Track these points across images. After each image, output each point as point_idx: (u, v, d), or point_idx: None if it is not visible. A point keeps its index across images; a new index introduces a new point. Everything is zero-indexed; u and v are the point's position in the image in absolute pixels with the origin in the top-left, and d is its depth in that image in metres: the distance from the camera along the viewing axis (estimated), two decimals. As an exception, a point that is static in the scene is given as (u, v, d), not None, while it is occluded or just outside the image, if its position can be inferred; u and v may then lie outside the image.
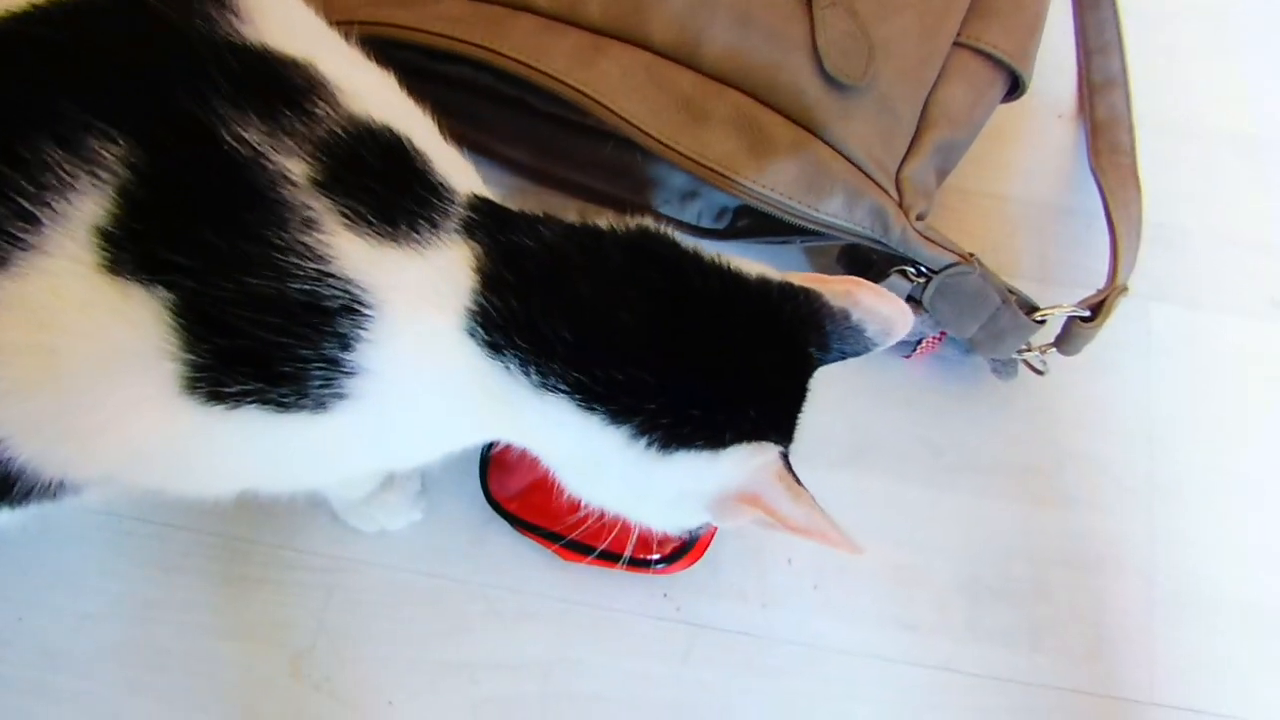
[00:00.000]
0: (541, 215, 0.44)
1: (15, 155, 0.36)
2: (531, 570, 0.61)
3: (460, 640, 0.60)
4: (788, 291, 0.44)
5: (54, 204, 0.36)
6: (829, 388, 0.65)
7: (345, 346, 0.38)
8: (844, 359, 0.46)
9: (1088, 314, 0.59)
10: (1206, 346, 0.69)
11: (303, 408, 0.39)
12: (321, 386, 0.39)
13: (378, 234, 0.39)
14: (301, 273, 0.37)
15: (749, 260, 0.45)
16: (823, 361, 0.45)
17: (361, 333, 0.38)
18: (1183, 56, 0.77)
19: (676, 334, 0.41)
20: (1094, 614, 0.62)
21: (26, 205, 0.35)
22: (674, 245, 0.44)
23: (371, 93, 0.43)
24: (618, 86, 0.57)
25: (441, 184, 0.42)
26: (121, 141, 0.36)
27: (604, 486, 0.45)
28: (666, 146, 0.57)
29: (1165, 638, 0.62)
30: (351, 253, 0.38)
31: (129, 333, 0.37)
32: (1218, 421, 0.67)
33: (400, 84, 0.46)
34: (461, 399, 0.42)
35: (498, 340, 0.40)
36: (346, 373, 0.39)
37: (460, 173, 0.44)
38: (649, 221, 0.45)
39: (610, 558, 0.59)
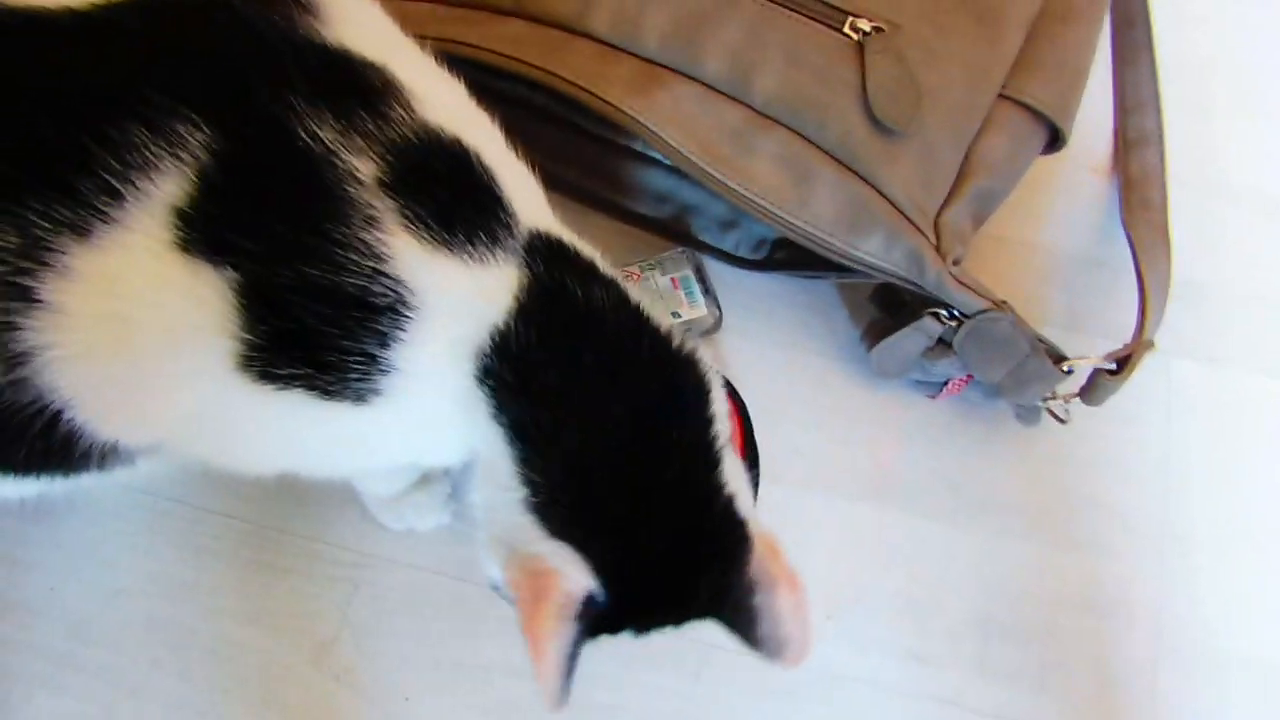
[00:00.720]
0: (599, 269, 0.45)
1: (105, 135, 0.37)
2: (553, 578, 0.62)
3: (480, 643, 0.61)
4: (732, 521, 0.44)
5: (137, 182, 0.37)
6: (855, 423, 0.67)
7: (383, 344, 0.40)
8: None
9: (1113, 367, 0.60)
10: (1227, 403, 0.70)
11: (345, 398, 0.40)
12: (359, 380, 0.40)
13: (434, 239, 0.40)
14: (357, 268, 0.39)
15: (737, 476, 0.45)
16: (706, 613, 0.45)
17: (400, 333, 0.40)
18: (1216, 116, 0.79)
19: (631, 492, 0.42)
20: (1101, 659, 0.63)
21: (113, 182, 0.37)
22: (695, 407, 0.44)
23: (444, 103, 0.44)
24: (670, 116, 0.59)
25: (504, 202, 0.43)
26: (205, 129, 0.38)
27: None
28: (713, 176, 0.58)
29: (1171, 688, 0.63)
30: (406, 253, 0.40)
31: (194, 308, 0.38)
32: (1234, 478, 0.68)
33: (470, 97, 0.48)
34: (449, 422, 0.43)
35: (499, 400, 0.42)
36: (381, 370, 0.40)
37: (526, 196, 0.45)
38: (693, 347, 0.45)
39: None
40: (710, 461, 0.44)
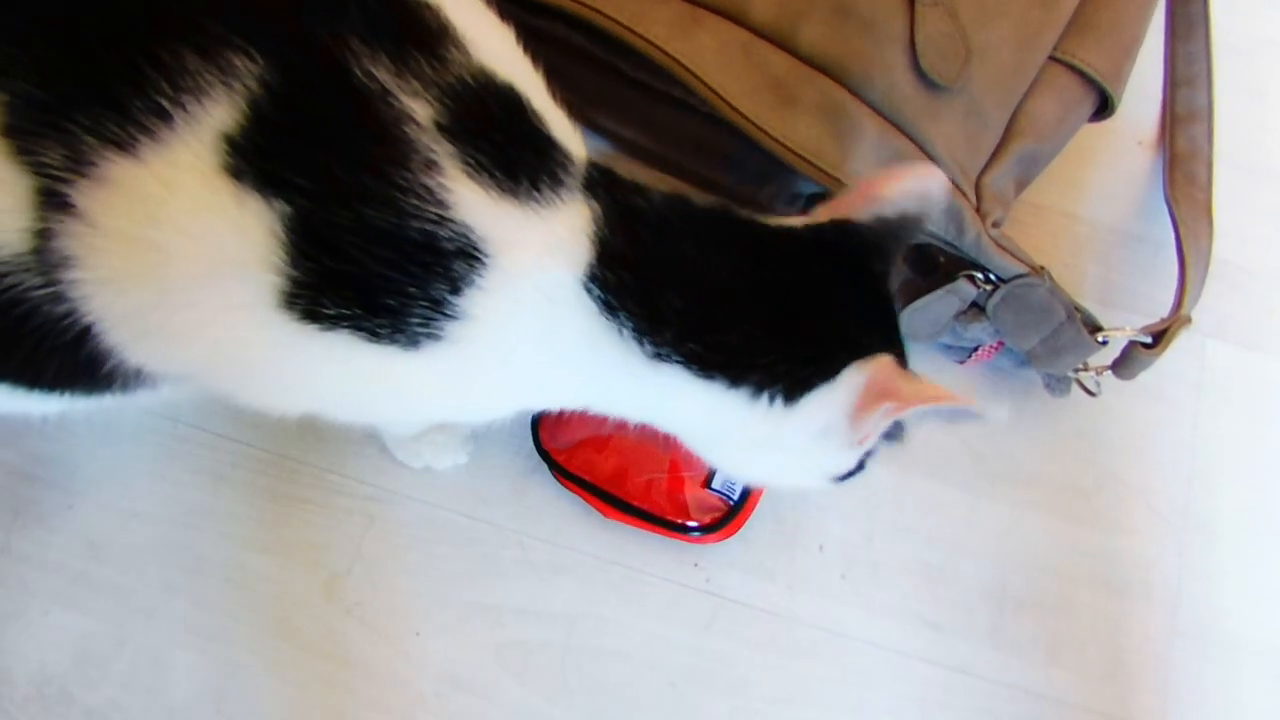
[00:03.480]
0: (643, 184, 0.45)
1: (158, 59, 0.37)
2: (568, 524, 0.62)
3: (491, 583, 0.61)
4: (831, 229, 0.45)
5: (188, 105, 0.36)
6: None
7: (455, 290, 0.39)
8: (911, 246, 0.48)
9: (1149, 340, 0.59)
10: (1259, 388, 0.69)
11: (394, 342, 0.40)
12: (420, 325, 0.39)
13: (500, 188, 0.40)
14: (421, 213, 0.38)
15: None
16: (888, 266, 0.46)
17: (475, 278, 0.39)
18: (1269, 98, 0.77)
19: (769, 290, 0.43)
20: (1114, 636, 0.63)
21: (162, 102, 0.36)
22: (744, 214, 0.46)
23: (494, 47, 0.43)
24: (712, 60, 0.58)
25: (560, 144, 0.43)
26: (258, 59, 0.37)
27: (738, 454, 0.47)
28: (754, 125, 0.57)
29: (1182, 669, 0.62)
30: (472, 201, 0.39)
31: (236, 240, 0.38)
32: (1260, 463, 0.67)
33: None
34: (566, 358, 0.43)
35: (612, 305, 0.41)
36: (448, 315, 0.39)
37: (570, 136, 0.44)
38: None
39: (649, 519, 0.61)
40: (788, 233, 0.45)
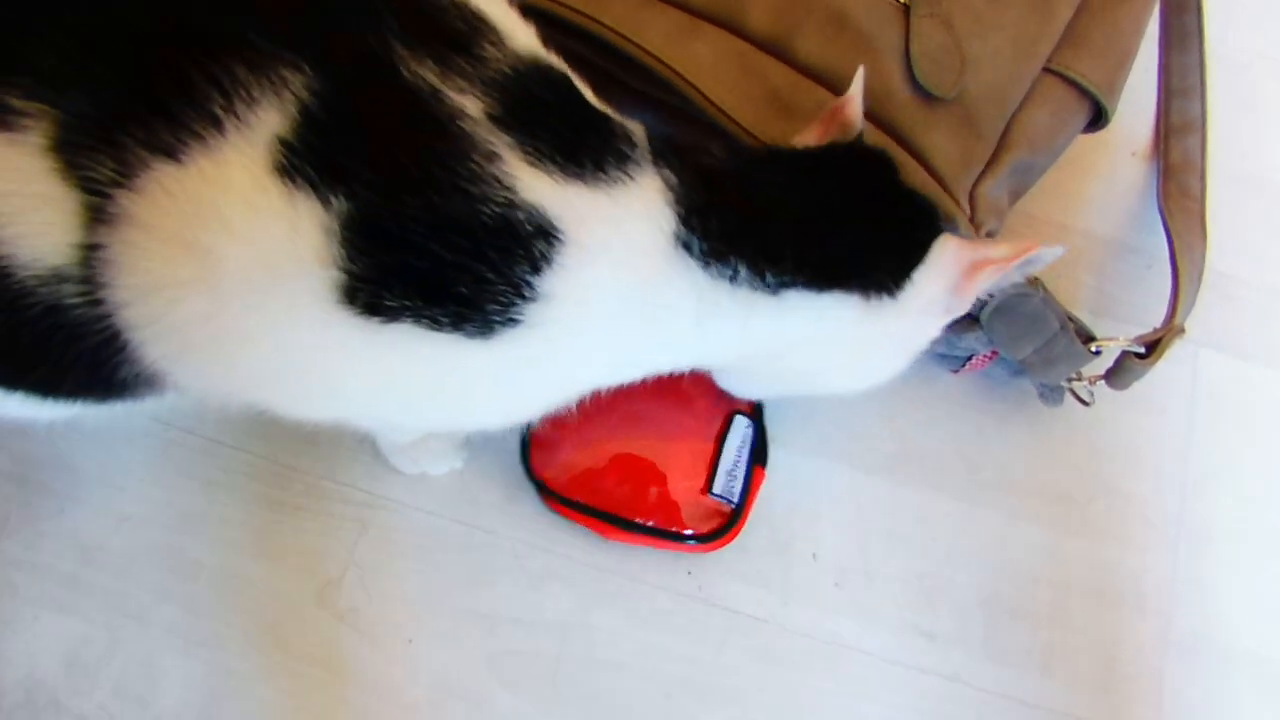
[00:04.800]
0: (699, 143, 0.46)
1: (209, 72, 0.37)
2: (562, 532, 0.62)
3: (485, 591, 0.61)
4: (843, 147, 0.50)
5: (239, 112, 0.37)
6: (873, 395, 0.66)
7: (536, 270, 0.39)
8: None
9: (1143, 350, 0.59)
10: (1252, 399, 0.69)
11: (462, 331, 0.39)
12: (497, 311, 0.39)
13: (564, 172, 0.40)
14: (492, 198, 0.38)
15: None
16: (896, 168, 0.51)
17: (555, 257, 0.39)
18: (1263, 110, 0.78)
19: (841, 200, 0.47)
20: (1108, 647, 0.63)
21: (214, 110, 0.36)
22: (785, 147, 0.51)
23: (526, 33, 0.44)
24: (709, 70, 0.58)
25: (617, 121, 0.44)
26: (307, 69, 0.38)
27: (837, 359, 0.51)
28: (750, 134, 0.57)
29: (1176, 680, 0.62)
30: (539, 187, 0.39)
31: (292, 239, 0.37)
32: (1253, 474, 0.68)
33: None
34: (662, 318, 0.44)
35: (721, 252, 0.43)
36: (528, 297, 0.39)
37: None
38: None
39: (654, 534, 0.61)
40: (842, 150, 0.50)
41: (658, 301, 0.44)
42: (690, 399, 0.64)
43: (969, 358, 0.64)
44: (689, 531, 0.61)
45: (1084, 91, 0.62)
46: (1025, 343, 0.60)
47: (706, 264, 0.43)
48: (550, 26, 0.59)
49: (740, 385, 0.58)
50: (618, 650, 0.60)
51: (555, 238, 0.39)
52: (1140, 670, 0.62)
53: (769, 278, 0.44)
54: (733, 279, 0.44)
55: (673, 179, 0.43)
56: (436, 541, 0.62)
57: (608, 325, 0.43)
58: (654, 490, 0.62)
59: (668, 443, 0.63)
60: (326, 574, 0.61)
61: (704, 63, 0.58)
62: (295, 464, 0.63)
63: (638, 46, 0.57)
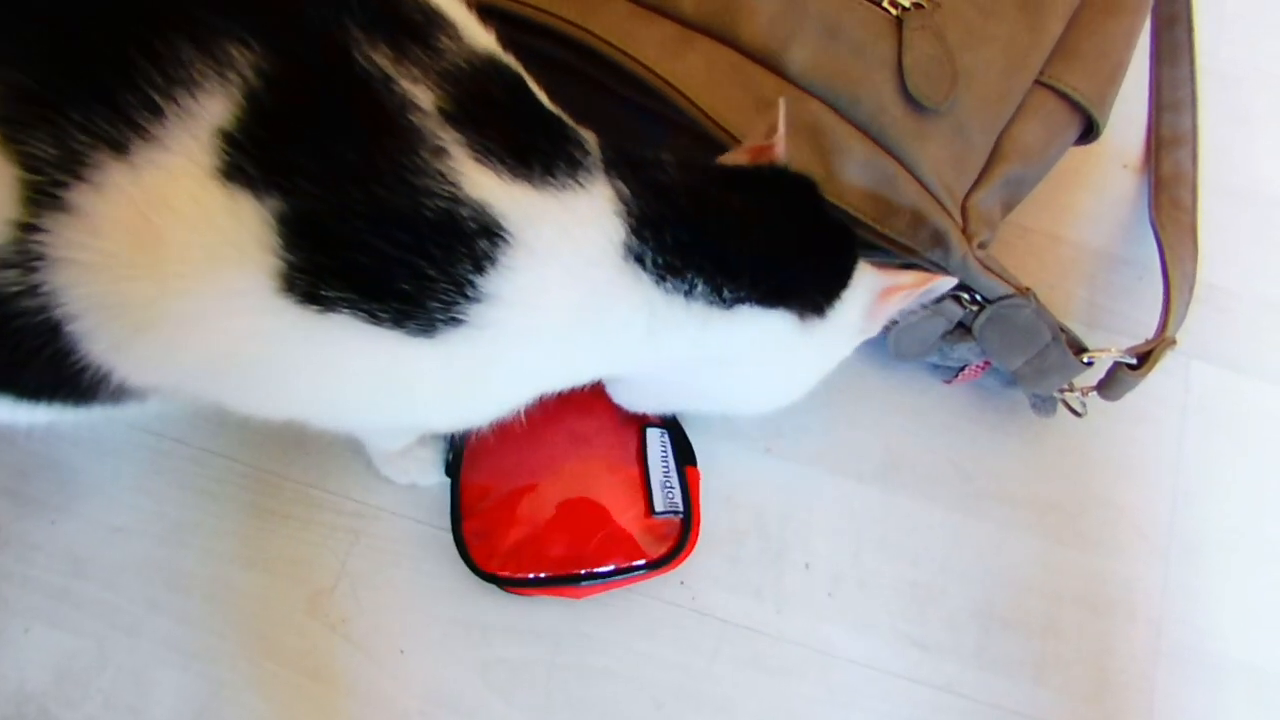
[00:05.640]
0: (652, 154, 0.46)
1: (152, 49, 0.36)
2: (555, 542, 0.62)
3: (477, 601, 0.61)
4: (771, 169, 0.51)
5: (180, 100, 0.36)
6: (867, 403, 0.67)
7: (479, 269, 0.39)
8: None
9: (1134, 362, 0.60)
10: (1242, 410, 0.70)
11: (403, 328, 0.39)
12: (440, 309, 0.39)
13: (512, 173, 0.40)
14: (436, 193, 0.38)
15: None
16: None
17: (500, 258, 0.39)
18: (1253, 123, 0.78)
19: (786, 221, 0.49)
20: (1100, 657, 0.63)
21: (155, 97, 0.36)
22: (725, 164, 0.52)
23: (481, 32, 0.44)
24: (702, 81, 0.58)
25: (570, 126, 0.43)
26: (256, 48, 0.37)
27: (766, 372, 0.52)
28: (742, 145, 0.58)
29: (1167, 690, 0.62)
30: (487, 185, 0.39)
31: (234, 226, 0.37)
32: (1244, 485, 0.68)
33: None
34: (612, 329, 0.44)
35: (676, 268, 0.43)
36: (472, 297, 0.39)
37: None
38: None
39: (619, 575, 0.59)
40: (775, 174, 0.51)
41: (609, 313, 0.43)
42: (592, 435, 0.63)
43: (962, 368, 0.65)
44: (651, 559, 0.60)
45: (1075, 104, 0.62)
46: (1018, 353, 0.60)
47: (661, 278, 0.43)
48: (543, 36, 0.60)
49: (638, 399, 0.59)
50: (610, 659, 0.60)
51: (500, 237, 0.39)
52: (1132, 680, 0.62)
53: (726, 293, 0.45)
54: (688, 294, 0.44)
55: (624, 190, 0.43)
56: (428, 551, 0.61)
57: (556, 333, 0.43)
58: (601, 533, 0.60)
59: (594, 483, 0.62)
60: (318, 584, 0.61)
61: (696, 74, 0.58)
62: (287, 474, 0.63)
63: (630, 57, 0.58)
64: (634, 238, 0.42)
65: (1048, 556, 0.65)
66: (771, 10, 0.59)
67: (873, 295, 0.51)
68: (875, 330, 0.53)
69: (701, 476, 0.63)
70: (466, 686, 0.59)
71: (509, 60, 0.44)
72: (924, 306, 0.59)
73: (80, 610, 0.59)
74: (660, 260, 0.43)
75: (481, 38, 0.43)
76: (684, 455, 0.63)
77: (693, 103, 0.57)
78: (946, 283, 0.52)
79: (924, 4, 0.58)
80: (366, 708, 0.58)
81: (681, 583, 0.62)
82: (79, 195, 0.36)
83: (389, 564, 0.61)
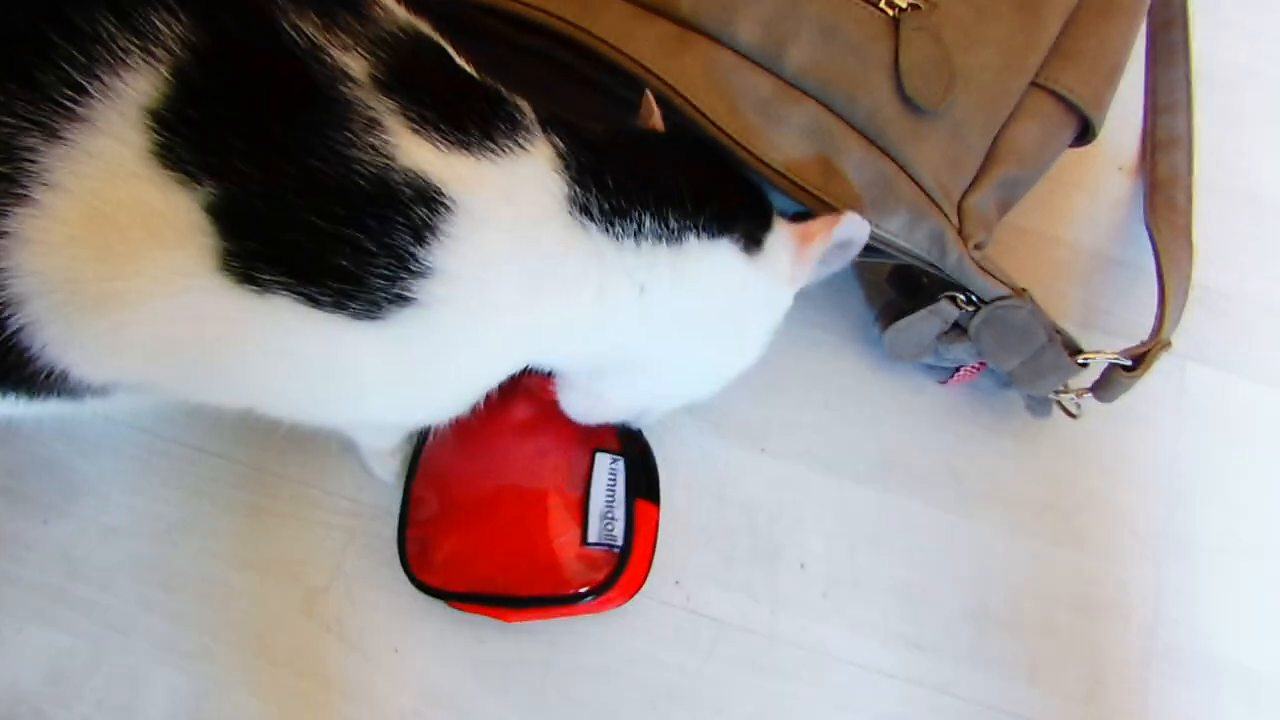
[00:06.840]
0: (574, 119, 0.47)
1: (71, 25, 0.35)
2: (550, 542, 0.62)
3: (472, 600, 0.61)
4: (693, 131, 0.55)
5: (104, 77, 0.35)
6: (862, 403, 0.67)
7: (420, 239, 0.38)
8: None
9: (1130, 363, 0.60)
10: (1238, 412, 0.70)
11: (347, 311, 0.38)
12: (384, 286, 0.38)
13: (448, 140, 0.39)
14: (370, 165, 0.37)
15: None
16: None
17: (442, 225, 0.38)
18: (1248, 125, 0.78)
19: (715, 172, 0.52)
20: (1094, 658, 0.63)
21: (76, 76, 0.35)
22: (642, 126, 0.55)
23: (404, 11, 0.44)
24: (699, 81, 0.58)
25: (505, 92, 0.43)
26: (183, 18, 0.36)
27: (731, 328, 0.53)
28: (739, 145, 0.57)
29: (1161, 691, 0.63)
30: (419, 154, 0.38)
31: (172, 211, 0.36)
32: (1239, 487, 0.68)
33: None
34: (563, 292, 0.43)
35: (622, 209, 0.44)
36: (416, 272, 0.38)
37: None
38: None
39: (546, 603, 0.58)
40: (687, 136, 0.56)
41: (558, 274, 0.43)
42: (545, 453, 0.61)
43: (957, 369, 0.65)
44: (583, 590, 0.57)
45: (1072, 106, 0.62)
46: (1013, 354, 0.60)
47: (609, 225, 0.43)
48: (540, 35, 0.60)
49: (591, 405, 0.55)
50: (605, 658, 0.60)
51: (440, 203, 0.38)
52: (1126, 681, 0.63)
53: (672, 221, 0.46)
54: (637, 234, 0.44)
55: (561, 145, 0.43)
56: (424, 551, 0.61)
57: (507, 304, 0.41)
58: (534, 556, 0.58)
59: (535, 504, 0.60)
60: (313, 583, 0.61)
61: (693, 74, 0.58)
62: (281, 473, 0.62)
63: (628, 57, 0.57)
64: (576, 188, 0.43)
65: (1042, 557, 0.65)
66: (768, 12, 0.59)
67: (795, 242, 0.52)
68: (805, 278, 0.53)
69: (660, 515, 0.61)
70: (461, 685, 0.59)
71: (433, 35, 0.44)
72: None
73: (74, 610, 0.59)
74: (606, 205, 0.43)
75: (404, 14, 0.43)
76: (641, 488, 0.60)
77: (690, 103, 0.57)
78: (857, 222, 0.52)
79: (921, 5, 0.58)
80: (361, 707, 0.58)
81: (676, 582, 0.62)
82: (17, 177, 0.35)
83: (384, 563, 0.61)
